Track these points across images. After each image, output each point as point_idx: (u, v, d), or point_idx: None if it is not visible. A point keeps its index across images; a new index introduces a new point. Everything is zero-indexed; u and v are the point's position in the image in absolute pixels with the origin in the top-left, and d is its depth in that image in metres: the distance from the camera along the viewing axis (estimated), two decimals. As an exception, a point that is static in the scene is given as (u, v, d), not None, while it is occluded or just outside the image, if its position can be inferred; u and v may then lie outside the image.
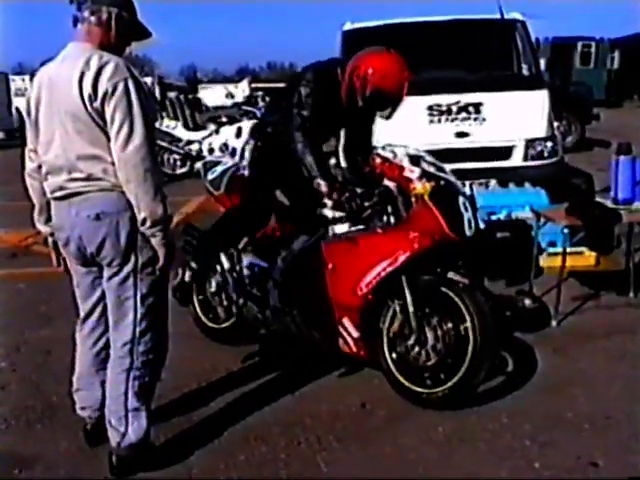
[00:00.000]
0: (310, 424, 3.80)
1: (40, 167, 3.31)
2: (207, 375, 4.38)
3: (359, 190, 4.06)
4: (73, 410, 3.60)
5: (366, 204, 4.03)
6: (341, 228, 4.13)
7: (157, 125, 11.54)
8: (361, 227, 4.08)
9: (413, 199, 3.94)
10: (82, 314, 3.47)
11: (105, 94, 2.96)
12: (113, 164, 3.03)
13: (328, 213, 4.15)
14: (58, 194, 3.21)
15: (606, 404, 3.90)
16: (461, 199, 3.96)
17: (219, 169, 4.98)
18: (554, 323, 5.06)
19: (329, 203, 4.06)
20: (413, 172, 3.98)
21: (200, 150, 11.83)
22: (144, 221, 3.05)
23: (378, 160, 4.15)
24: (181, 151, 12.12)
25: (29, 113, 3.29)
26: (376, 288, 3.91)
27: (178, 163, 12.42)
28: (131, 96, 2.98)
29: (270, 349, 4.70)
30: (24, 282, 6.62)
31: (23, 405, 4.09)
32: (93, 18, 3.11)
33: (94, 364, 3.45)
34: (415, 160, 4.08)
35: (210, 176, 4.88)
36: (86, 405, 3.51)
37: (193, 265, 4.48)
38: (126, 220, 3.11)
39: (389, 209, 4.02)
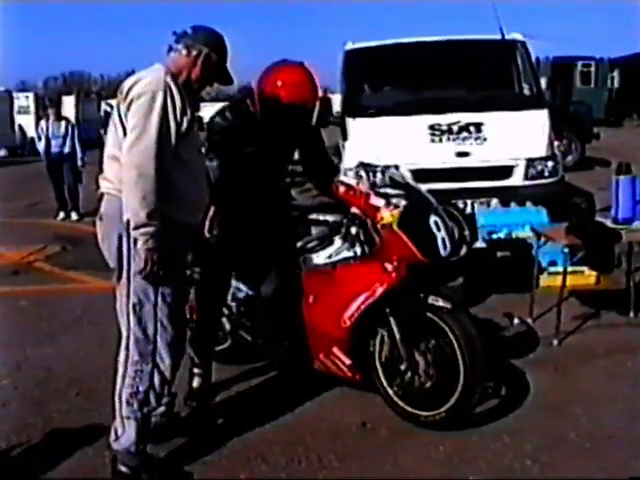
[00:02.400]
0: (311, 443, 3.80)
1: None
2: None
3: (329, 218, 4.05)
4: (74, 427, 3.60)
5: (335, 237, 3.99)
6: (318, 258, 4.09)
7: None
8: (339, 257, 4.01)
9: (380, 227, 3.85)
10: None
11: (133, 98, 3.16)
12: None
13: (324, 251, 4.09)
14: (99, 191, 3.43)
15: (607, 423, 3.90)
16: (432, 219, 3.86)
17: None
18: (555, 342, 5.06)
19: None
20: (379, 200, 3.89)
21: None
22: (128, 223, 3.14)
23: (342, 188, 4.07)
24: None
25: None
26: (359, 319, 3.87)
27: None
28: (154, 106, 3.13)
29: (270, 368, 4.68)
30: (26, 299, 6.64)
31: (24, 422, 4.09)
32: (184, 51, 3.34)
33: None
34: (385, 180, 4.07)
35: None
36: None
37: (197, 371, 4.26)
38: (118, 225, 3.21)
39: (361, 237, 3.92)
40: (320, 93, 4.05)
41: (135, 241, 3.17)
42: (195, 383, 4.24)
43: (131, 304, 3.29)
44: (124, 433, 3.35)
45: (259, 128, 4.02)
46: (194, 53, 3.33)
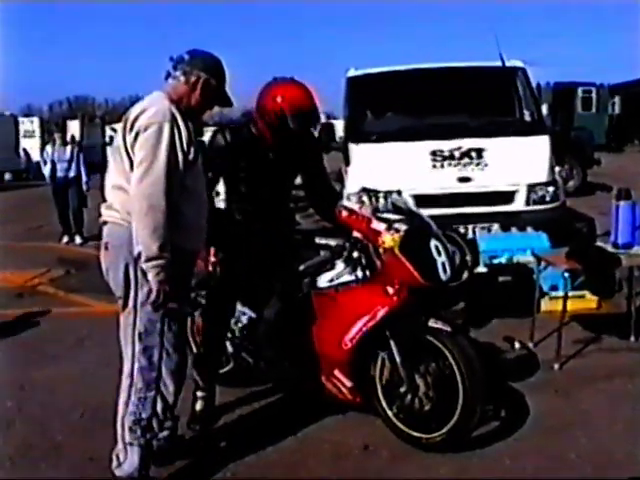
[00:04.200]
0: (313, 465, 3.81)
1: None
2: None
3: (332, 242, 4.09)
4: (78, 449, 3.62)
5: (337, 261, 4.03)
6: (321, 281, 4.12)
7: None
8: (341, 280, 4.04)
9: (382, 251, 3.89)
10: None
11: (139, 130, 3.18)
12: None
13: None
14: (100, 220, 3.45)
15: (608, 446, 3.92)
16: (433, 243, 3.90)
17: None
18: (556, 366, 5.07)
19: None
20: (380, 224, 3.93)
21: None
22: (139, 255, 3.16)
23: (345, 213, 4.12)
24: None
25: None
26: (361, 342, 3.91)
27: None
28: (161, 138, 3.16)
29: (271, 390, 4.69)
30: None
31: (28, 443, 4.11)
32: (183, 78, 3.36)
33: None
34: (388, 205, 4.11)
35: None
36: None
37: (200, 394, 4.27)
38: (126, 254, 3.25)
39: (363, 261, 3.96)
40: (321, 111, 4.13)
41: (143, 271, 3.19)
42: (198, 406, 4.25)
43: (137, 333, 3.31)
44: (127, 459, 3.37)
45: (261, 151, 4.09)
46: (193, 79, 3.36)
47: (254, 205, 4.15)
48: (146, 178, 3.13)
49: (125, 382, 3.37)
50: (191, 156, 3.30)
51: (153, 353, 3.34)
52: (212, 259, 4.48)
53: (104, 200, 3.44)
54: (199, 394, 4.27)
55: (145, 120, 3.18)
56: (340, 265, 4.07)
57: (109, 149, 3.47)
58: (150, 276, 3.18)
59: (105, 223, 3.39)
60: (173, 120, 3.22)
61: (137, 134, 3.18)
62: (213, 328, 4.31)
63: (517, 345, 5.48)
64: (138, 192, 3.14)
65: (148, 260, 3.14)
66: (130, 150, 3.21)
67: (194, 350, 4.90)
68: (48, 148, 12.09)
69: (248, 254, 4.14)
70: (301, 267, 4.22)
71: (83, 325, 6.42)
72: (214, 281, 4.31)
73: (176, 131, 3.22)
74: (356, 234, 4.02)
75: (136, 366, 3.33)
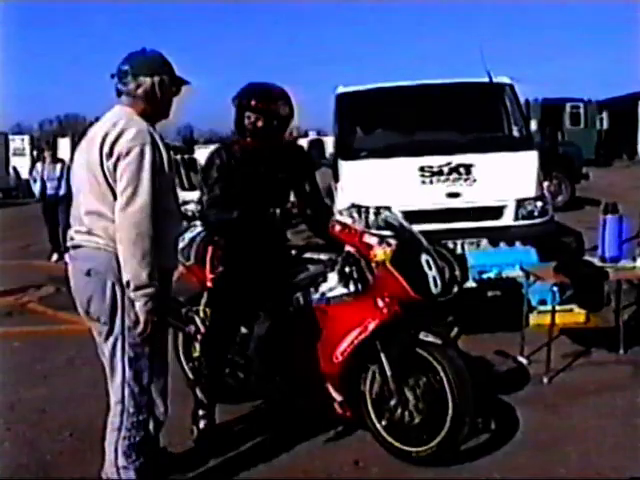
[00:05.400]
0: (304, 482, 3.79)
1: None
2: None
3: (323, 257, 4.11)
4: (67, 469, 3.61)
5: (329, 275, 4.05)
6: (312, 296, 4.14)
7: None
8: (333, 294, 4.06)
9: (374, 265, 3.93)
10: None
11: (120, 155, 3.09)
12: (114, 222, 3.13)
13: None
14: (68, 243, 3.37)
15: (597, 460, 3.92)
16: (424, 257, 3.93)
17: (187, 236, 4.81)
18: (545, 380, 5.09)
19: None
20: (373, 238, 3.98)
21: (196, 210, 11.79)
22: (128, 284, 3.11)
23: (337, 227, 4.13)
24: None
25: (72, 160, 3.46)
26: (351, 355, 3.93)
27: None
28: (144, 161, 3.09)
29: (263, 407, 4.69)
30: (19, 341, 6.63)
31: (17, 463, 4.10)
32: (139, 91, 3.27)
33: None
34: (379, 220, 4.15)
35: (180, 244, 4.35)
36: None
37: (202, 412, 4.27)
38: (113, 280, 3.19)
39: (355, 274, 3.98)
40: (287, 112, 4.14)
41: (130, 299, 3.16)
42: (202, 425, 4.23)
43: (127, 359, 3.27)
44: None
45: (252, 164, 4.12)
46: (147, 87, 3.28)
47: (246, 219, 4.13)
48: (132, 205, 3.07)
49: (116, 408, 3.33)
50: (171, 176, 3.29)
51: (143, 377, 3.32)
52: (209, 275, 4.51)
53: (69, 225, 3.38)
54: (201, 412, 4.26)
55: (125, 144, 3.11)
56: (332, 279, 4.09)
57: (74, 168, 3.40)
58: (138, 305, 3.14)
59: (77, 247, 3.30)
60: (153, 141, 3.17)
61: (118, 159, 3.11)
62: (218, 349, 4.30)
63: (507, 359, 5.47)
64: (124, 220, 3.08)
65: (137, 288, 3.11)
66: (110, 176, 3.13)
67: (184, 366, 4.95)
68: (38, 166, 12.09)
69: (241, 269, 4.16)
70: (293, 281, 4.24)
71: (72, 343, 6.36)
72: (216, 299, 4.32)
73: (157, 152, 3.17)
74: (348, 248, 4.04)
75: (127, 392, 3.29)
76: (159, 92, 3.30)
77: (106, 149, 3.12)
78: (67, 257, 3.42)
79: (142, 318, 3.16)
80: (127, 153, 3.09)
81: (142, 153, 3.10)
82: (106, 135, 3.14)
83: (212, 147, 4.65)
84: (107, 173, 3.13)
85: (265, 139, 4.14)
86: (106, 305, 3.22)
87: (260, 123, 4.06)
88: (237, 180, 4.09)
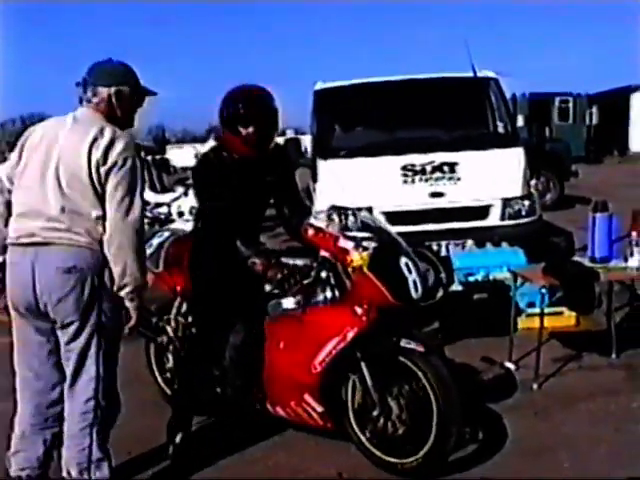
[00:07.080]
0: (287, 496, 3.69)
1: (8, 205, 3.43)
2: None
3: (299, 262, 3.96)
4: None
5: (305, 282, 3.92)
6: (288, 303, 4.04)
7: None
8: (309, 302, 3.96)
9: (350, 270, 3.81)
10: (28, 372, 3.45)
11: (114, 164, 3.20)
12: (96, 224, 3.20)
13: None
14: (25, 240, 3.27)
15: (590, 468, 3.82)
16: (403, 260, 3.83)
17: (155, 242, 4.72)
18: (535, 386, 4.96)
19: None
20: (348, 242, 3.86)
21: (169, 213, 11.43)
22: (125, 285, 3.22)
23: (311, 231, 4.01)
24: (149, 214, 11.75)
25: (20, 155, 3.49)
26: (330, 365, 3.81)
27: (146, 227, 12.03)
28: (136, 172, 3.26)
29: (241, 419, 4.48)
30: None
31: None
32: (95, 100, 3.37)
33: (39, 423, 3.47)
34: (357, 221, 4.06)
35: (148, 250, 4.32)
36: (27, 466, 3.48)
37: (178, 426, 4.16)
38: (93, 278, 3.25)
39: (331, 280, 3.88)
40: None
41: (108, 294, 3.25)
42: (178, 439, 4.11)
43: (102, 354, 3.32)
44: (94, 476, 3.37)
45: (238, 167, 3.96)
46: (105, 97, 3.36)
47: (229, 224, 3.97)
48: (131, 214, 3.21)
49: (88, 405, 3.34)
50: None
51: (115, 372, 3.46)
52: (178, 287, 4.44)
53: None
54: (177, 426, 4.14)
55: (121, 154, 3.21)
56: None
57: (23, 164, 3.45)
58: (133, 304, 3.29)
59: (45, 244, 3.24)
60: (136, 147, 3.36)
61: (112, 167, 3.20)
62: (195, 362, 4.23)
63: (494, 365, 5.32)
64: (127, 228, 3.20)
65: (136, 290, 3.26)
66: (98, 180, 3.20)
67: (157, 377, 4.82)
68: (0, 168, 11.80)
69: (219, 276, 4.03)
70: (267, 288, 4.11)
71: None
72: (199, 308, 4.24)
73: (140, 159, 3.35)
74: (324, 253, 3.92)
75: (101, 387, 3.34)
76: (116, 102, 3.38)
77: (98, 155, 3.20)
78: (20, 253, 3.29)
79: (134, 315, 3.31)
80: (122, 165, 3.21)
81: (134, 164, 3.25)
82: (94, 142, 3.21)
83: (186, 147, 4.49)
84: (95, 179, 3.20)
85: (261, 147, 3.99)
86: (84, 301, 3.25)
87: (257, 132, 3.89)
88: (229, 188, 3.92)
